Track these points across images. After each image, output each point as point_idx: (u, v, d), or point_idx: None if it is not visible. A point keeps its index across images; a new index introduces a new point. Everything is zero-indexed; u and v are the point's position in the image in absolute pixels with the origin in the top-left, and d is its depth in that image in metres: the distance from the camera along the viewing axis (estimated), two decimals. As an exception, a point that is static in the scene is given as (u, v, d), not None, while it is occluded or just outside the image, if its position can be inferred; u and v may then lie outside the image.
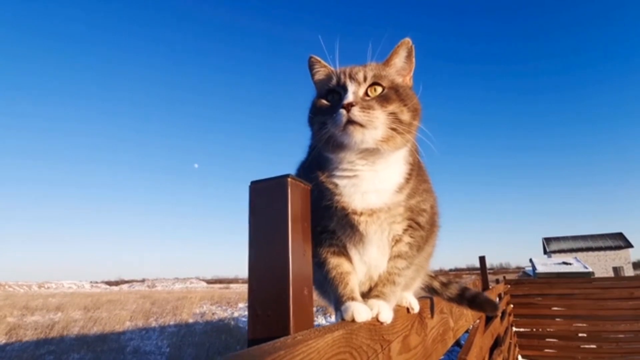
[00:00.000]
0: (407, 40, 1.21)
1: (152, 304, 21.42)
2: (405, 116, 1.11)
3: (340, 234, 1.18)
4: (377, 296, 1.14)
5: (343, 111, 1.05)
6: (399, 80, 1.20)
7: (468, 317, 2.85)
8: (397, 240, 1.20)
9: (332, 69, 1.22)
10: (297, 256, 0.89)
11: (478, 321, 3.29)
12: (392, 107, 1.10)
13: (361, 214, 1.12)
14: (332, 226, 1.17)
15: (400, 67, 1.23)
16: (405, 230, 1.20)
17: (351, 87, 1.11)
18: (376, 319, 1.06)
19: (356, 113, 1.04)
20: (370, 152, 1.11)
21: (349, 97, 1.08)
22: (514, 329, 7.83)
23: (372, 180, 1.13)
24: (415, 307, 1.44)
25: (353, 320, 0.98)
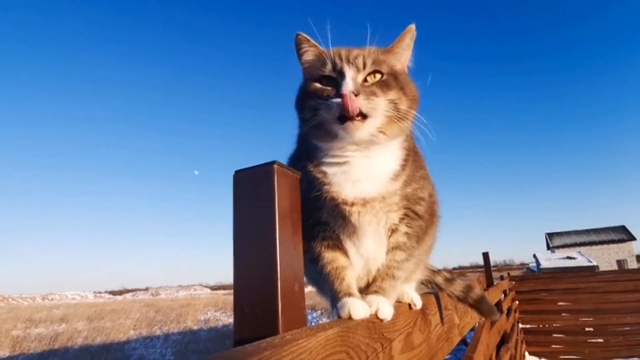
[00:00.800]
0: (412, 27, 1.16)
1: (156, 312, 21.33)
2: (404, 105, 1.05)
3: (333, 226, 1.11)
4: (375, 292, 1.07)
5: (340, 100, 0.97)
6: (398, 66, 1.14)
7: (474, 314, 2.77)
8: (393, 230, 1.13)
9: (323, 49, 1.13)
10: (286, 250, 0.82)
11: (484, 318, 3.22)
12: (392, 95, 1.04)
13: (352, 204, 1.05)
14: (324, 218, 1.10)
15: (401, 54, 1.17)
16: (402, 219, 1.13)
17: (349, 74, 1.03)
18: (375, 315, 0.99)
19: (361, 102, 0.98)
20: (364, 139, 1.04)
21: (350, 86, 1.00)
22: (520, 325, 7.75)
23: (365, 167, 1.06)
24: (418, 303, 1.36)
25: (350, 318, 0.90)
